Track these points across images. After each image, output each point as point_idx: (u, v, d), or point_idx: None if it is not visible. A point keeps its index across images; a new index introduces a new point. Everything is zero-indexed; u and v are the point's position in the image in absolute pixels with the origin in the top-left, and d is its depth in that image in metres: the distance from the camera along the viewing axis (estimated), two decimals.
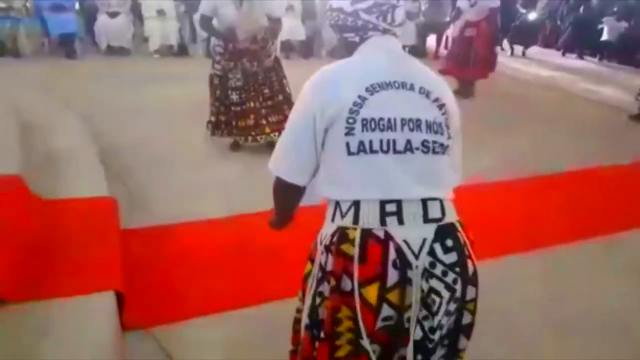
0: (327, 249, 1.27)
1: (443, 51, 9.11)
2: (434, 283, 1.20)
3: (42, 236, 2.37)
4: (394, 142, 1.21)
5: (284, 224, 1.56)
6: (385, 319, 1.21)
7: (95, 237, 2.46)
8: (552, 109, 6.13)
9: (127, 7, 7.86)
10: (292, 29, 7.99)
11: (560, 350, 2.19)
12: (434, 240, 1.21)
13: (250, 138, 4.07)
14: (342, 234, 1.23)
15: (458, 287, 1.22)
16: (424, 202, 1.22)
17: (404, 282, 1.19)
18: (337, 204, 1.26)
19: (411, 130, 1.23)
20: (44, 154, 3.51)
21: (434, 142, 1.24)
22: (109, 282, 2.14)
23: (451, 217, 1.26)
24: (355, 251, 1.20)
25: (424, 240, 1.20)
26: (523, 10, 9.99)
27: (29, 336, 1.80)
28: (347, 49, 1.36)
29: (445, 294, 1.21)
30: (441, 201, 1.24)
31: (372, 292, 1.19)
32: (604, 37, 9.46)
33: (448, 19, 7.57)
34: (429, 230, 1.21)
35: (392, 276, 1.18)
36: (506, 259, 2.78)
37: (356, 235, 1.21)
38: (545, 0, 10.36)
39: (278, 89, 4.04)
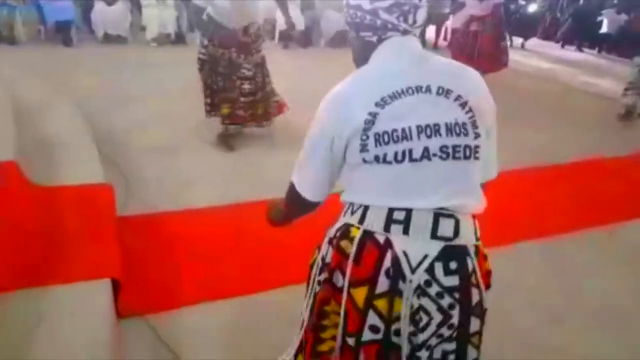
0: (330, 241, 1.26)
1: (442, 42, 9.07)
2: (425, 302, 1.15)
3: (39, 223, 2.36)
4: (410, 151, 1.15)
5: (282, 225, 1.55)
6: (372, 328, 1.17)
7: (91, 224, 2.45)
8: (553, 101, 6.10)
9: None
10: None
11: (561, 339, 2.21)
12: (437, 259, 1.15)
13: (227, 125, 4.05)
14: (345, 230, 1.22)
15: (455, 313, 1.16)
16: (437, 216, 1.16)
17: (394, 292, 1.15)
18: (351, 203, 1.25)
19: (428, 136, 1.16)
20: (40, 140, 3.49)
21: (456, 145, 1.17)
22: (106, 270, 2.14)
23: (465, 239, 1.18)
24: (351, 250, 1.18)
25: (425, 257, 1.15)
26: (522, 2, 9.94)
27: (25, 324, 1.79)
28: (363, 48, 1.28)
29: (437, 316, 1.15)
30: (457, 220, 1.17)
31: (360, 295, 1.17)
32: (604, 29, 9.43)
33: (447, 10, 7.52)
34: (434, 248, 1.15)
35: (382, 284, 1.15)
36: (511, 247, 2.81)
37: (357, 234, 1.19)
38: None
39: (260, 87, 3.99)
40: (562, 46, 10.01)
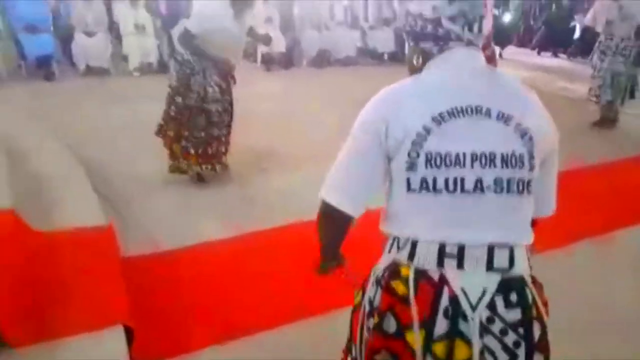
0: (378, 282, 1.17)
1: None
2: (489, 341, 1.06)
3: (44, 273, 2.33)
4: (462, 180, 1.08)
5: (330, 262, 1.37)
6: None
7: (97, 269, 2.43)
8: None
9: (105, 25, 7.77)
10: (273, 40, 7.98)
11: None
12: (496, 292, 1.07)
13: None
14: (394, 270, 1.14)
15: (520, 352, 1.08)
16: (491, 248, 1.09)
17: (454, 334, 1.06)
18: (396, 237, 1.16)
19: (483, 166, 1.09)
20: (33, 181, 3.45)
21: (510, 179, 1.10)
22: (117, 316, 2.11)
23: (521, 269, 1.12)
24: (407, 291, 1.09)
25: (485, 290, 1.07)
26: (497, 12, 10.16)
27: None
28: (420, 59, 1.20)
29: (502, 356, 1.07)
30: (512, 249, 1.11)
31: (416, 339, 1.08)
32: (576, 34, 9.67)
33: None
34: (492, 280, 1.08)
35: (441, 326, 1.07)
36: None
37: (409, 273, 1.11)
38: (517, 0, 10.55)
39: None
40: (539, 53, 10.24)
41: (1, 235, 2.40)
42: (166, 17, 8.27)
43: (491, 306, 1.07)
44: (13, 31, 7.35)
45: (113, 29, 8.01)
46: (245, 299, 2.53)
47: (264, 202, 3.57)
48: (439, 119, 1.09)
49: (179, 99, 3.75)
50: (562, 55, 10.11)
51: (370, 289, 1.19)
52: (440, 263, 1.09)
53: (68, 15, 7.83)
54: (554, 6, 10.32)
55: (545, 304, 1.16)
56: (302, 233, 2.87)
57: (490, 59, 6.32)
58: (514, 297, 1.09)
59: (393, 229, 1.17)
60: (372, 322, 1.16)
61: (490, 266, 1.09)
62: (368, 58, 9.33)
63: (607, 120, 5.62)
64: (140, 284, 2.55)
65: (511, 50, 10.21)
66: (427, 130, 1.09)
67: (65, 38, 7.77)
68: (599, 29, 5.53)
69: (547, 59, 9.88)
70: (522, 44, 10.78)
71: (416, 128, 1.09)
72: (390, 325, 1.12)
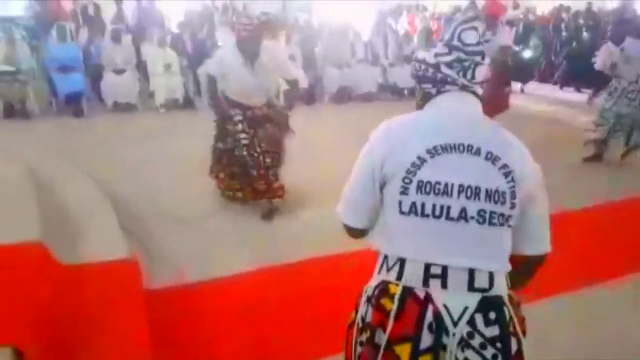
0: (369, 300, 1.28)
1: None
2: (470, 354, 1.17)
3: (69, 306, 2.36)
4: (448, 208, 1.20)
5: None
6: None
7: (120, 303, 2.44)
8: (558, 143, 6.16)
9: (133, 64, 8.04)
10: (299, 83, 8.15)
11: None
12: (476, 310, 1.19)
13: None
14: (383, 288, 1.25)
15: None
16: (472, 270, 1.20)
17: (438, 347, 1.17)
18: (385, 257, 1.28)
19: (468, 198, 1.21)
20: (61, 215, 3.53)
21: (493, 212, 1.21)
22: (137, 349, 2.12)
23: (500, 290, 1.23)
24: (393, 307, 1.20)
25: (466, 309, 1.19)
26: (517, 48, 10.20)
27: None
28: (423, 100, 1.36)
29: None
30: (491, 272, 1.22)
31: (405, 351, 1.18)
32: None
33: None
34: (473, 300, 1.19)
35: (426, 339, 1.17)
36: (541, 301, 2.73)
37: (397, 291, 1.21)
38: (536, 38, 10.60)
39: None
40: (561, 87, 10.21)
41: (29, 266, 2.45)
42: (192, 56, 8.53)
43: (471, 323, 1.18)
44: (46, 71, 7.68)
45: (140, 66, 8.28)
46: (269, 332, 2.52)
47: (286, 236, 3.58)
48: (433, 152, 1.22)
49: (219, 145, 3.95)
50: (585, 90, 10.05)
51: (362, 307, 1.30)
52: (425, 283, 1.20)
53: (98, 54, 8.15)
54: (574, 42, 10.33)
55: (522, 321, 1.26)
56: (325, 267, 2.87)
57: (503, 99, 6.31)
58: (492, 315, 1.20)
59: (383, 247, 1.30)
60: (364, 336, 1.27)
61: (471, 286, 1.20)
62: (388, 93, 9.43)
63: (596, 155, 5.62)
64: (161, 317, 2.56)
65: (533, 86, 10.20)
66: (422, 161, 1.22)
67: (94, 76, 8.06)
68: (608, 72, 5.56)
69: (569, 94, 9.83)
70: (543, 79, 10.77)
71: (412, 159, 1.22)
72: (381, 339, 1.22)
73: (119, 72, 7.82)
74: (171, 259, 3.27)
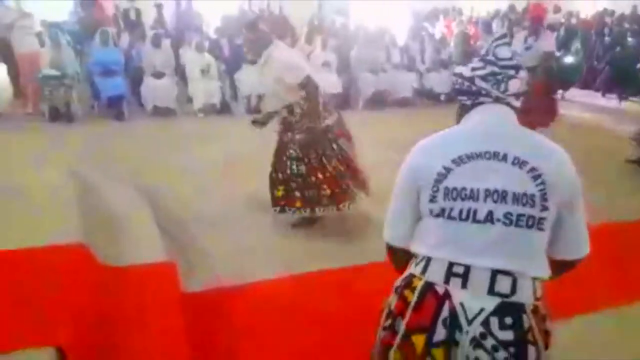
0: (396, 290, 1.38)
1: None
2: (480, 354, 1.22)
3: (109, 307, 2.41)
4: (475, 211, 1.27)
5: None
6: None
7: (159, 306, 2.49)
8: (606, 153, 5.95)
9: (172, 68, 8.21)
10: (330, 83, 8.16)
11: None
12: (493, 314, 1.23)
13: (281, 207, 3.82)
14: (409, 281, 1.35)
15: None
16: (494, 273, 1.25)
17: (451, 342, 1.23)
18: (417, 255, 1.37)
19: (495, 201, 1.26)
20: (102, 217, 3.62)
21: (520, 215, 1.25)
22: (176, 356, 2.15)
23: (523, 297, 1.25)
24: (413, 298, 1.30)
25: (482, 310, 1.23)
26: (558, 53, 9.96)
27: None
28: (460, 111, 1.45)
29: None
30: (514, 278, 1.25)
31: (419, 341, 1.26)
32: None
33: None
34: (491, 303, 1.24)
35: (440, 333, 1.24)
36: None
37: (419, 284, 1.31)
38: (578, 43, 10.32)
39: (314, 168, 3.70)
40: (603, 95, 9.91)
41: (72, 267, 2.52)
42: (229, 60, 8.66)
43: (486, 324, 1.23)
44: (90, 75, 7.93)
45: (179, 71, 8.44)
46: (306, 338, 2.52)
47: (325, 243, 3.59)
48: (458, 161, 1.30)
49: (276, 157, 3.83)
50: (633, 98, 9.69)
51: (392, 296, 1.40)
52: (447, 280, 1.27)
53: (139, 59, 8.36)
54: (618, 47, 10.02)
55: (547, 334, 1.29)
56: (364, 274, 2.85)
57: (552, 107, 6.09)
58: (509, 320, 1.23)
59: (414, 246, 1.39)
60: (388, 323, 1.37)
61: (491, 290, 1.24)
62: (424, 99, 9.34)
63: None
64: (198, 320, 2.59)
65: (574, 92, 9.92)
66: (448, 170, 1.30)
67: (135, 80, 8.26)
68: None
69: (612, 101, 9.53)
70: (585, 85, 10.47)
71: (438, 169, 1.31)
72: (399, 327, 1.32)
73: (159, 75, 7.99)
74: (209, 263, 3.31)
